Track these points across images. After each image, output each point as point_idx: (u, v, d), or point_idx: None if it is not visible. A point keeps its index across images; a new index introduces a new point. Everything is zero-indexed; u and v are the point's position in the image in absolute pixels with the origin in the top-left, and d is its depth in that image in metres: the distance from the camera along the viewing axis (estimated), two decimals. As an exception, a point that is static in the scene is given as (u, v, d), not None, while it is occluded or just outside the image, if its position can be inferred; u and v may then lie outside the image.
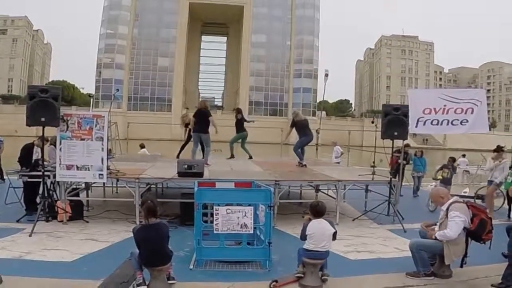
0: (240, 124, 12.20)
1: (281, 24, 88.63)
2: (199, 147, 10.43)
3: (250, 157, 12.32)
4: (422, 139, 73.42)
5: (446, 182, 11.06)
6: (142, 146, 15.00)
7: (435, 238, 5.13)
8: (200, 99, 9.98)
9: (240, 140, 12.36)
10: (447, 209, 5.15)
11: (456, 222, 5.00)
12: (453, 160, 11.75)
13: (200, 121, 10.20)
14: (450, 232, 5.01)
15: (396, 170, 12.16)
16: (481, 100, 8.50)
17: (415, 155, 13.11)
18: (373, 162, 9.60)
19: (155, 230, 4.49)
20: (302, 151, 10.58)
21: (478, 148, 30.71)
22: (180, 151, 11.97)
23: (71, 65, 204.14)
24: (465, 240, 5.07)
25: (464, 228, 5.04)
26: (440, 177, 11.21)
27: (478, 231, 5.05)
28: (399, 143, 9.35)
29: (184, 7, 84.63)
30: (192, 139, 10.81)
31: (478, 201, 10.67)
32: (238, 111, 12.72)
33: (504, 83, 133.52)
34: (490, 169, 9.73)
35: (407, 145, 12.68)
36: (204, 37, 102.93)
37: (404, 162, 12.44)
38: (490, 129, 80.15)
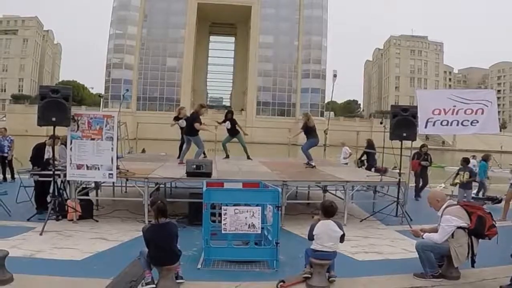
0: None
1: (289, 24, 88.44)
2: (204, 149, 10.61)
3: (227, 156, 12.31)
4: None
5: (465, 187, 10.29)
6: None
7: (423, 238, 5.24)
8: (197, 102, 9.95)
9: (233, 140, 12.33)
10: (442, 213, 5.16)
11: (444, 228, 5.04)
12: (466, 161, 10.79)
13: (187, 124, 10.41)
14: (436, 237, 5.06)
15: (419, 173, 11.90)
16: (491, 100, 8.45)
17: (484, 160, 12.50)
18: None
19: (164, 229, 4.53)
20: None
21: (488, 149, 30.40)
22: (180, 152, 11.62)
23: (80, 65, 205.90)
24: (469, 240, 5.04)
25: (465, 229, 5.02)
26: (458, 181, 10.45)
27: (478, 228, 5.04)
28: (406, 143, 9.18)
29: (192, 8, 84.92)
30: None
31: (488, 203, 10.60)
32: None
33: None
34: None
35: (425, 146, 12.41)
36: (212, 37, 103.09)
37: (428, 163, 12.07)
38: (500, 130, 79.24)
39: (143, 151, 14.99)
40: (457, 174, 10.63)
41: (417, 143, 10.18)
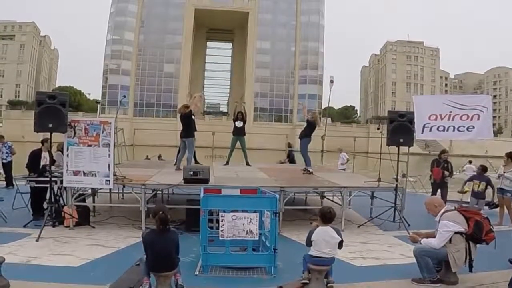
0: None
1: (286, 30, 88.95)
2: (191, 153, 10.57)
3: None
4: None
5: (478, 196, 9.54)
6: None
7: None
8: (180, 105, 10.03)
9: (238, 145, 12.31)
10: (439, 218, 5.17)
11: (441, 233, 5.06)
12: (484, 169, 9.98)
13: (185, 126, 10.39)
14: (434, 242, 5.07)
15: (439, 183, 10.55)
16: (487, 106, 8.50)
17: None
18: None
19: (165, 236, 4.50)
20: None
21: (485, 154, 30.49)
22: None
23: (77, 71, 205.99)
24: (467, 245, 5.05)
25: (462, 234, 5.04)
26: (467, 189, 9.82)
27: (476, 233, 5.06)
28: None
29: (189, 14, 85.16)
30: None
31: (486, 208, 10.57)
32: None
33: (510, 89, 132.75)
34: (498, 176, 9.13)
35: (444, 151, 11.19)
36: (209, 43, 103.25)
37: (447, 173, 10.54)
38: (496, 135, 79.30)
39: (159, 157, 15.45)
40: (470, 180, 9.96)
41: (414, 149, 10.12)
